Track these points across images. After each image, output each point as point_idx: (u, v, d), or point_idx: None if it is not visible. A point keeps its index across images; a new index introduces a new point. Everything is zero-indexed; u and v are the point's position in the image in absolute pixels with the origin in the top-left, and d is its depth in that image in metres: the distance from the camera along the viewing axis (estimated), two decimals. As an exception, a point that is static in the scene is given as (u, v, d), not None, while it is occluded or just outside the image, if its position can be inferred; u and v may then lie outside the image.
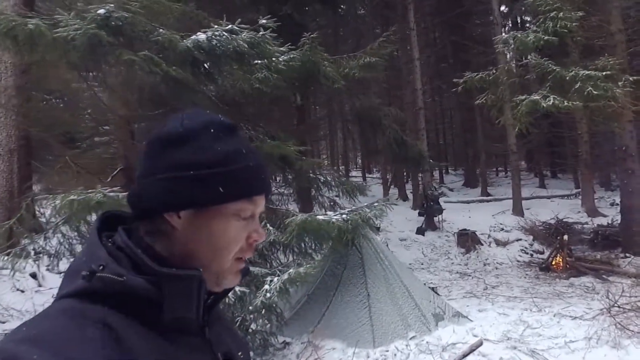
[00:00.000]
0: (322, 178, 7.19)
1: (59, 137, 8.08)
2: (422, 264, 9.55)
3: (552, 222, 10.55)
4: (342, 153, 28.19)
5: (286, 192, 7.57)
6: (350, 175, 25.83)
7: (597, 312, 5.62)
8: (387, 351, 4.67)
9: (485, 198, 15.55)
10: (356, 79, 7.48)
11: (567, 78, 5.56)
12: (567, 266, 7.80)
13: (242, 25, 4.55)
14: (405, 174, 17.98)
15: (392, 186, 19.42)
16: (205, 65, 5.12)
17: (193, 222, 0.64)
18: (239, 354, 0.76)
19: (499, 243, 10.05)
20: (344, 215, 5.03)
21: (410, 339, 4.78)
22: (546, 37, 5.68)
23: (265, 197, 0.71)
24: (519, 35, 5.95)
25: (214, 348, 0.69)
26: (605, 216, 11.42)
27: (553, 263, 8.09)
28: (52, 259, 4.62)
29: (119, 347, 0.55)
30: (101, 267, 0.58)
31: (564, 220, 10.62)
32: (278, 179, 7.24)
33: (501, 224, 11.36)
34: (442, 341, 4.79)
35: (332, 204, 7.65)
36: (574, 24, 5.67)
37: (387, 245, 6.61)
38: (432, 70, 21.52)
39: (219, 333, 0.72)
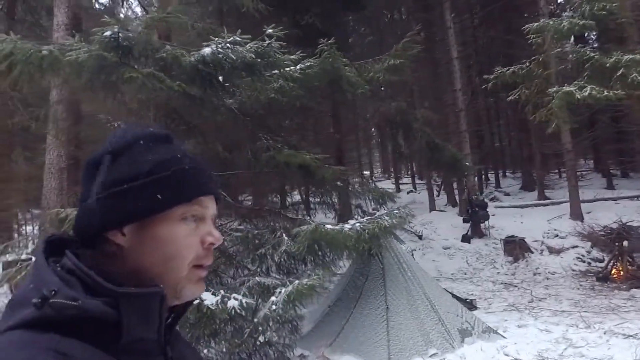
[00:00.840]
0: (351, 187, 7.03)
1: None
2: (465, 274, 9.00)
3: (615, 226, 9.49)
4: (392, 160, 27.77)
5: (313, 201, 7.48)
6: (401, 182, 25.41)
7: (658, 329, 4.93)
8: (404, 369, 4.39)
9: (541, 202, 14.39)
10: (391, 83, 7.25)
11: (608, 65, 4.93)
12: (628, 276, 6.95)
13: (245, 36, 4.55)
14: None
15: (440, 191, 18.72)
16: (219, 78, 5.19)
17: (139, 236, 0.63)
18: None
19: (552, 251, 9.22)
20: (357, 224, 4.83)
21: (430, 356, 4.45)
22: (582, 22, 5.09)
23: (216, 200, 0.69)
24: (551, 23, 5.40)
25: None
26: (679, 218, 10.08)
27: (612, 272, 7.25)
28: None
29: None
30: (53, 293, 0.55)
31: (627, 224, 9.50)
32: (295, 187, 7.16)
33: (556, 229, 10.41)
34: None
35: (372, 210, 7.40)
36: (614, 4, 5.04)
37: (412, 255, 6.27)
38: (481, 69, 20.50)
39: (181, 351, 0.70)
